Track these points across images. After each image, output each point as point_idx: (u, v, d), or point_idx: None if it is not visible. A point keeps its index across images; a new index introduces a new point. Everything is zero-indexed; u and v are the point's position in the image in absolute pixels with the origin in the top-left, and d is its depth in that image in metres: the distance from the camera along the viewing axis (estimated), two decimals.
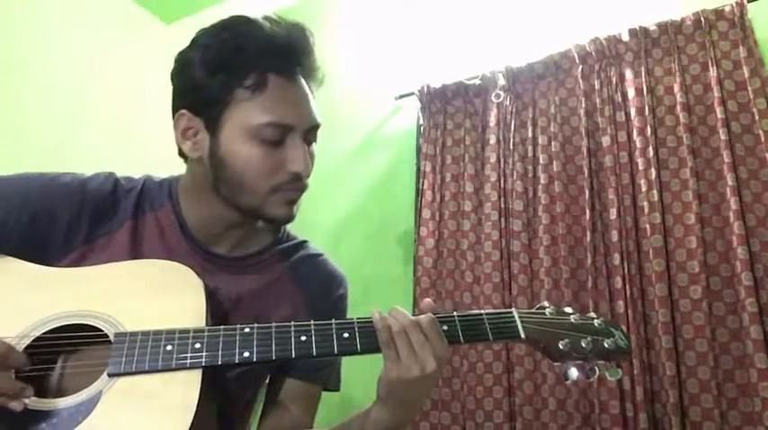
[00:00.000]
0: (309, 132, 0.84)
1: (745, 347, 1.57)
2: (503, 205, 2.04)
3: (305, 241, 0.98)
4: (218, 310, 0.82)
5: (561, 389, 1.77)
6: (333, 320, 0.75)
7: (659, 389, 1.66)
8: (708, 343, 1.61)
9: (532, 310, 0.80)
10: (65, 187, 0.82)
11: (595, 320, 0.79)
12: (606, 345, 0.76)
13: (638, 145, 1.85)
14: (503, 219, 2.03)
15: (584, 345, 0.75)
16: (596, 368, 0.76)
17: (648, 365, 1.69)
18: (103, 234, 0.83)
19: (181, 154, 0.87)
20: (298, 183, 0.82)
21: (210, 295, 0.80)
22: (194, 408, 0.65)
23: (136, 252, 0.83)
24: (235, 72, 0.79)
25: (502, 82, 2.16)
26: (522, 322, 0.77)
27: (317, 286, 0.93)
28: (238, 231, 0.88)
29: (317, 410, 0.93)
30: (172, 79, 0.85)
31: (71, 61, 2.33)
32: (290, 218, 0.84)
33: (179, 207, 0.87)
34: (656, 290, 1.70)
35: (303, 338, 0.72)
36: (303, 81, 0.84)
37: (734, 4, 1.83)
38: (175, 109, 0.84)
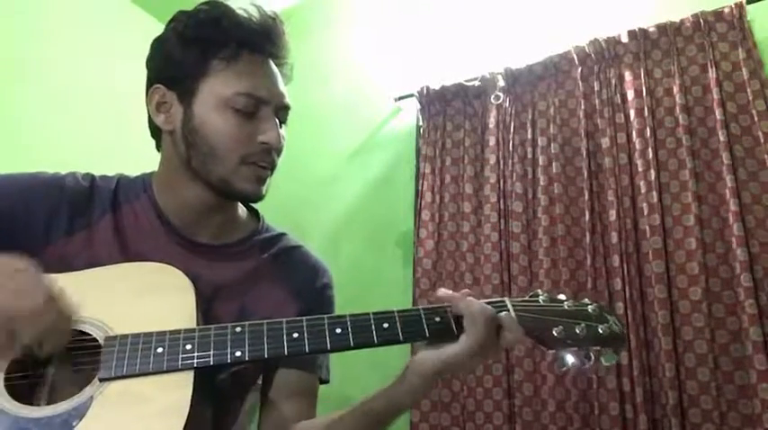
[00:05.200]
0: (280, 111, 0.87)
1: (744, 349, 1.57)
2: (502, 206, 2.04)
3: (284, 233, 0.98)
4: (199, 298, 0.81)
5: (561, 390, 1.77)
6: (325, 316, 0.74)
7: (659, 391, 1.66)
8: (707, 344, 1.61)
9: (525, 298, 0.79)
10: (43, 183, 0.85)
11: (589, 306, 0.78)
12: (600, 331, 0.75)
13: (638, 146, 1.85)
14: (502, 221, 2.03)
15: (578, 332, 0.74)
16: (591, 354, 0.75)
17: (648, 367, 1.69)
18: (83, 226, 0.84)
19: (153, 134, 0.90)
20: (267, 157, 0.84)
21: (192, 282, 0.80)
22: (187, 410, 0.65)
23: (120, 244, 0.84)
24: (209, 45, 0.83)
25: (501, 83, 2.16)
26: (515, 310, 0.75)
27: (302, 277, 0.94)
28: (216, 218, 0.89)
29: (317, 401, 0.93)
30: (147, 63, 0.88)
31: (69, 62, 2.34)
32: (258, 195, 0.86)
33: (155, 198, 0.88)
34: (655, 291, 1.70)
35: (295, 335, 0.71)
36: (271, 62, 0.87)
37: (733, 6, 1.83)
38: (149, 86, 0.87)
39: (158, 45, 0.87)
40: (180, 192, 0.87)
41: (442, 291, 0.77)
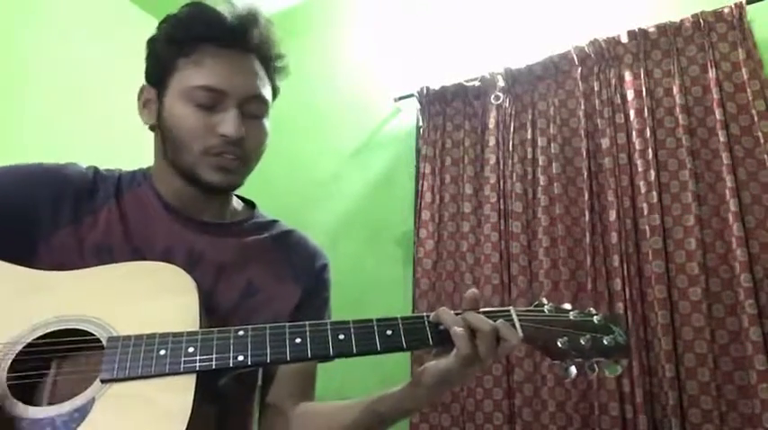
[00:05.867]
0: (248, 102, 0.87)
1: (744, 349, 1.57)
2: (502, 207, 2.04)
3: (277, 219, 1.02)
4: (205, 275, 0.84)
5: (561, 390, 1.77)
6: (328, 322, 0.74)
7: (659, 391, 1.66)
8: (707, 344, 1.61)
9: (530, 308, 0.79)
10: (47, 171, 0.88)
11: (595, 317, 0.78)
12: (605, 343, 0.75)
13: (638, 146, 1.85)
14: (502, 221, 2.03)
15: (583, 343, 0.74)
16: (595, 365, 0.75)
17: (648, 367, 1.69)
18: (89, 212, 0.86)
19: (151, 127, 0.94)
20: (231, 148, 0.85)
21: (197, 261, 0.84)
22: (189, 414, 0.65)
23: (125, 227, 0.86)
24: (181, 44, 0.86)
25: (501, 84, 2.16)
26: (519, 320, 0.75)
27: (302, 259, 0.97)
28: (211, 204, 0.92)
29: (315, 382, 0.95)
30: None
31: (67, 61, 2.34)
32: (225, 184, 0.88)
33: (154, 186, 0.92)
34: (655, 291, 1.70)
35: (298, 340, 0.71)
36: (247, 56, 0.88)
37: (733, 6, 1.83)
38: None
39: (147, 46, 0.91)
40: (170, 183, 0.90)
41: (443, 311, 0.75)
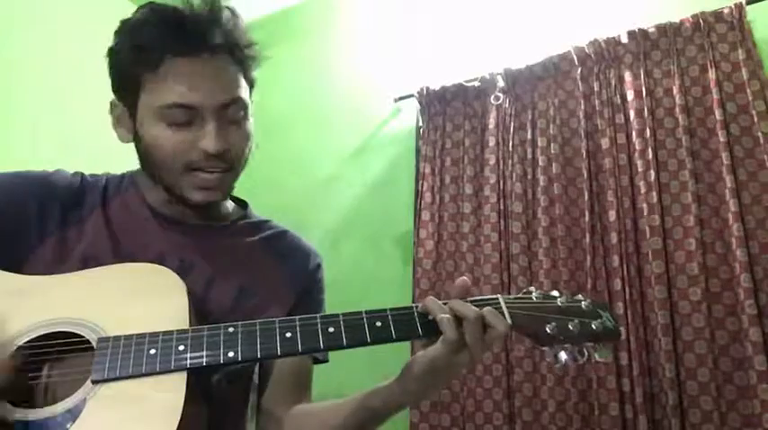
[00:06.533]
0: (226, 109, 0.81)
1: (744, 349, 1.57)
2: (502, 207, 2.04)
3: (268, 219, 1.00)
4: (197, 281, 0.83)
5: (561, 390, 1.77)
6: (318, 315, 0.74)
7: (659, 391, 1.66)
8: (707, 345, 1.61)
9: (519, 295, 0.79)
10: (33, 179, 0.86)
11: (582, 302, 0.78)
12: (594, 327, 0.75)
13: (638, 147, 1.85)
14: (502, 221, 2.03)
15: (571, 328, 0.74)
16: (585, 350, 0.75)
17: (648, 367, 1.68)
18: (75, 221, 0.85)
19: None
20: (213, 162, 0.81)
21: (189, 267, 0.83)
22: (180, 412, 0.65)
23: (111, 235, 0.85)
24: (140, 56, 0.79)
25: (501, 84, 2.16)
26: (508, 308, 0.75)
27: (296, 260, 0.96)
28: (200, 209, 0.88)
29: (311, 384, 0.95)
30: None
31: (68, 61, 2.34)
32: (211, 199, 0.84)
33: (141, 191, 0.90)
34: (655, 292, 1.70)
35: (288, 335, 0.71)
36: (214, 58, 0.81)
37: (733, 6, 1.82)
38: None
39: (108, 56, 0.84)
40: (157, 192, 0.88)
41: (430, 301, 0.74)
